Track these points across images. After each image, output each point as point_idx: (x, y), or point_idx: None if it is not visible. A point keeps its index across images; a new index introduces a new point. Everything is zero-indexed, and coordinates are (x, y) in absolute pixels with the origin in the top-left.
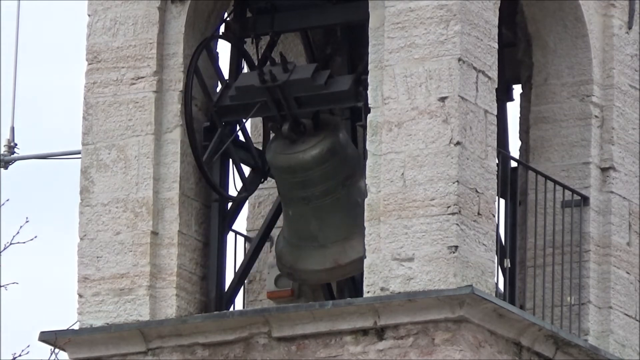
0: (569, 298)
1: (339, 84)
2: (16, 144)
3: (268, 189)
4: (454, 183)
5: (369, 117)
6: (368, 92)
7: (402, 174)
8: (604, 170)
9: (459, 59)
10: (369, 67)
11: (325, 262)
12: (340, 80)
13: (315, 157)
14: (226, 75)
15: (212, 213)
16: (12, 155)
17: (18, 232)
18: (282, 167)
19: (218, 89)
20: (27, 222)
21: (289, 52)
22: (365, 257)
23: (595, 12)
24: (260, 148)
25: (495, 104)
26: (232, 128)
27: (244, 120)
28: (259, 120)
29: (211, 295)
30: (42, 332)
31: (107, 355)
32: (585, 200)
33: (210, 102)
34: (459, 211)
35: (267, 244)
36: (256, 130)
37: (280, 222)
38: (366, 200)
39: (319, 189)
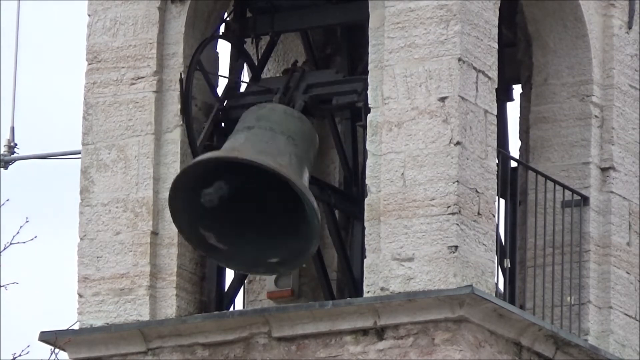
0: (569, 298)
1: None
2: (16, 144)
3: None
4: (454, 183)
5: (369, 117)
6: (368, 92)
7: (402, 174)
8: (604, 170)
9: (459, 59)
10: (369, 67)
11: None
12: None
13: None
14: (227, 74)
15: None
16: (12, 155)
17: (18, 232)
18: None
19: (218, 89)
20: (27, 222)
21: (289, 52)
22: (366, 257)
23: (595, 12)
24: None
25: (495, 104)
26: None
27: None
28: None
29: (211, 295)
30: (42, 332)
31: (107, 355)
32: (585, 200)
33: (210, 102)
34: (459, 211)
35: None
36: None
37: None
38: (366, 200)
39: None
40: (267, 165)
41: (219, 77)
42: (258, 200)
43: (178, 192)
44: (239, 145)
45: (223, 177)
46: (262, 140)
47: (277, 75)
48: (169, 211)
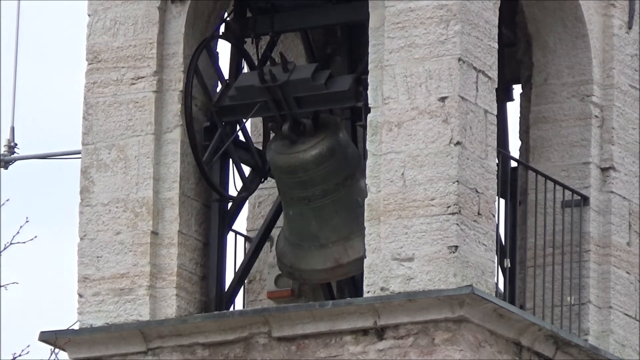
0: (569, 298)
1: (339, 84)
2: (16, 144)
3: (268, 189)
4: (454, 183)
5: (369, 117)
6: (368, 92)
7: (402, 174)
8: (604, 170)
9: (459, 59)
10: (369, 67)
11: (326, 261)
12: (340, 80)
13: (316, 157)
14: (226, 75)
15: (212, 213)
16: (12, 155)
17: (18, 232)
18: (282, 167)
19: (218, 89)
20: (27, 222)
21: (289, 52)
22: (366, 257)
23: (595, 12)
24: (260, 148)
25: (495, 104)
26: (232, 128)
27: (244, 120)
28: (259, 120)
29: (211, 295)
30: (42, 332)
31: (107, 355)
32: (585, 200)
33: (210, 102)
34: (459, 211)
35: (267, 244)
36: (256, 130)
37: (280, 222)
38: (366, 200)
39: (319, 189)
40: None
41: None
42: None
43: None
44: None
45: None
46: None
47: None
48: (169, 211)
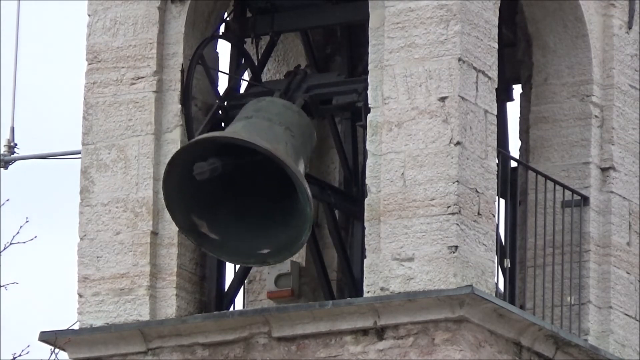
0: (569, 298)
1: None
2: (16, 144)
3: None
4: (454, 183)
5: (369, 117)
6: (368, 92)
7: (402, 174)
8: (604, 170)
9: (459, 59)
10: (369, 67)
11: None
12: None
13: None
14: (226, 76)
15: None
16: (12, 155)
17: (18, 232)
18: None
19: (219, 89)
20: (27, 222)
21: (289, 52)
22: (366, 257)
23: (595, 12)
24: None
25: (495, 104)
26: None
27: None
28: None
29: (211, 295)
30: (42, 332)
31: (107, 355)
32: (585, 200)
33: (211, 102)
34: (459, 211)
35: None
36: None
37: None
38: (366, 200)
39: None
40: (262, 146)
41: (219, 78)
42: (251, 191)
43: (173, 174)
44: (236, 130)
45: (218, 158)
46: (260, 128)
47: (278, 75)
48: (169, 211)
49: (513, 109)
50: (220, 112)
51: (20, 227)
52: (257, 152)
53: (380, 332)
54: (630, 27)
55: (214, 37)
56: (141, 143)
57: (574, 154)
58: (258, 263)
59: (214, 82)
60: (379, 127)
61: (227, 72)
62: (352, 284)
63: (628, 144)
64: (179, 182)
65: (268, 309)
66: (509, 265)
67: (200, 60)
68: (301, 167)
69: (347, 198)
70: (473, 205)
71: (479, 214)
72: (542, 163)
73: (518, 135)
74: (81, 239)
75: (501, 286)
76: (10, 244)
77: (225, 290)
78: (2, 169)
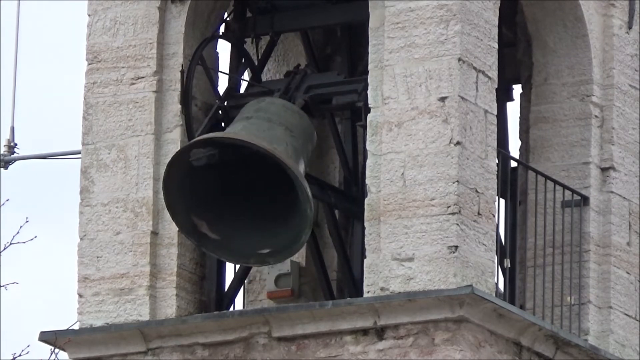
0: (569, 298)
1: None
2: (16, 144)
3: None
4: (454, 183)
5: (369, 117)
6: (368, 92)
7: (402, 174)
8: (604, 170)
9: (459, 59)
10: (369, 67)
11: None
12: None
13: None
14: (226, 76)
15: None
16: (12, 155)
17: (18, 232)
18: None
19: (219, 89)
20: (27, 222)
21: (289, 52)
22: (366, 257)
23: (595, 12)
24: None
25: (495, 104)
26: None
27: None
28: None
29: (211, 295)
30: (42, 332)
31: (107, 355)
32: (585, 200)
33: (211, 102)
34: (459, 211)
35: None
36: None
37: None
38: (366, 200)
39: None
40: (262, 146)
41: (219, 77)
42: (251, 191)
43: (173, 174)
44: (236, 131)
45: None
46: (260, 128)
47: (278, 75)
48: (169, 211)
49: (513, 109)
50: (220, 112)
51: (20, 227)
52: (257, 152)
53: (380, 332)
54: (630, 27)
55: (214, 37)
56: (141, 143)
57: (574, 154)
58: (258, 263)
59: (214, 82)
60: (379, 127)
61: (227, 72)
62: (352, 284)
63: (628, 144)
64: (179, 182)
65: (268, 309)
66: (509, 265)
67: (200, 61)
68: (301, 167)
69: (347, 198)
70: (473, 205)
71: (479, 214)
72: (542, 163)
73: (518, 135)
74: (81, 239)
75: (501, 286)
76: (10, 244)
77: (225, 290)
78: (2, 169)
